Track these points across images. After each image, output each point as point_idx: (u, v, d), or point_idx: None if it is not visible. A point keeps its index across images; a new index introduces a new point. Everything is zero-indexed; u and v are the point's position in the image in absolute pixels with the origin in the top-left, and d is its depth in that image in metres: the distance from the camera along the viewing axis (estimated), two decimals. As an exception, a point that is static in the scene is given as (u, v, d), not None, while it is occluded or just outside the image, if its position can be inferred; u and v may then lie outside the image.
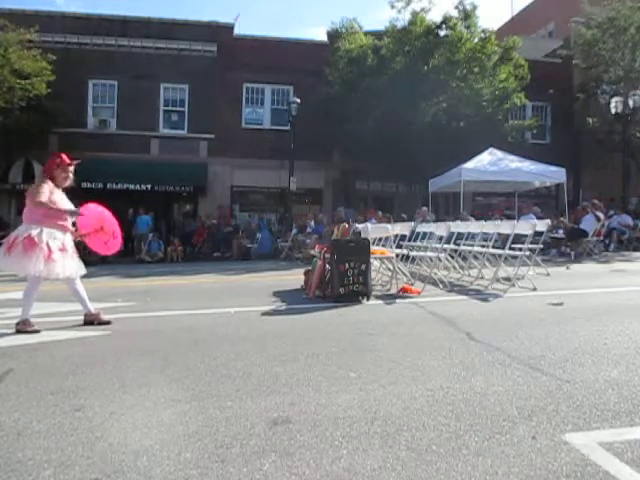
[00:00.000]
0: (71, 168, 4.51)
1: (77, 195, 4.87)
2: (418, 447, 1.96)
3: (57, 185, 4.41)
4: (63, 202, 4.42)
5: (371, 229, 7.69)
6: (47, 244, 4.15)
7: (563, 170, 13.64)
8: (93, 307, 4.60)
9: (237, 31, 19.14)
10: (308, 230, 14.39)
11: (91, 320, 4.53)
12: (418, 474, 1.76)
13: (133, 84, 17.62)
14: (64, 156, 4.51)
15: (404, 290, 6.10)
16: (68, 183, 4.52)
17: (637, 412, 2.23)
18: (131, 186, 16.81)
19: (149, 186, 16.99)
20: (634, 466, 1.76)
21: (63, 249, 4.26)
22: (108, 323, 4.54)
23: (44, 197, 4.19)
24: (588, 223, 11.44)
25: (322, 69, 16.53)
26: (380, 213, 13.93)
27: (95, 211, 4.77)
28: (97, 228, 4.69)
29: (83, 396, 2.64)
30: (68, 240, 4.39)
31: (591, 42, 17.33)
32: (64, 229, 4.36)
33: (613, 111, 15.57)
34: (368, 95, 15.10)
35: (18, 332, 4.21)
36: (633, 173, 16.40)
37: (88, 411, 2.42)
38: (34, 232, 4.15)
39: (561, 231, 12.42)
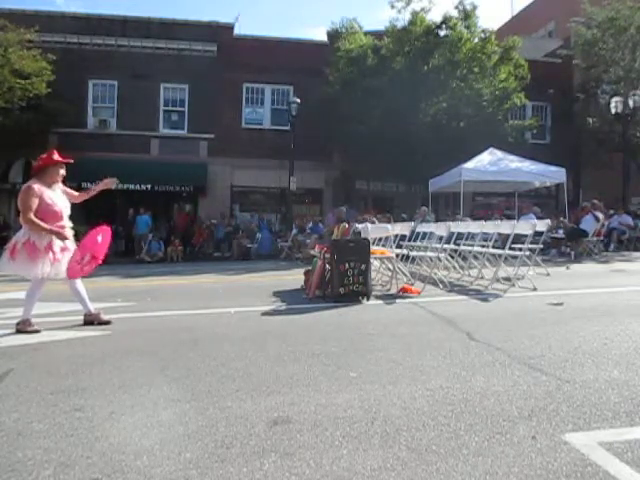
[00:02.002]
0: (63, 169, 4.38)
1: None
2: (418, 447, 1.95)
3: (45, 184, 4.26)
4: (58, 200, 4.31)
5: (371, 229, 7.69)
6: (49, 246, 4.14)
7: (563, 170, 13.64)
8: (93, 307, 4.60)
9: (237, 31, 19.17)
10: (308, 230, 14.41)
11: (91, 320, 4.52)
12: (418, 474, 1.76)
13: (133, 84, 17.63)
14: (57, 155, 4.34)
15: (404, 290, 6.09)
16: (58, 180, 4.37)
17: (637, 412, 2.23)
18: (131, 186, 16.79)
19: (149, 186, 17.00)
20: (634, 466, 1.76)
21: (65, 248, 4.25)
22: (108, 323, 4.53)
23: (31, 213, 4.08)
24: (588, 223, 11.45)
25: (322, 69, 16.54)
26: (368, 217, 13.55)
27: (88, 241, 4.42)
28: (77, 259, 4.26)
29: (83, 396, 2.64)
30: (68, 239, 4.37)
31: (591, 42, 17.33)
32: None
33: (613, 111, 15.58)
34: (368, 95, 15.09)
35: (18, 332, 4.21)
36: (633, 173, 16.40)
37: (88, 411, 2.42)
38: (33, 237, 4.12)
39: (561, 231, 12.40)
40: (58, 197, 4.35)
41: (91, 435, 2.14)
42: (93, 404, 2.51)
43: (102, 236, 4.53)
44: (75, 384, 2.84)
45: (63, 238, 4.23)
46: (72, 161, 4.47)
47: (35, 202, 4.14)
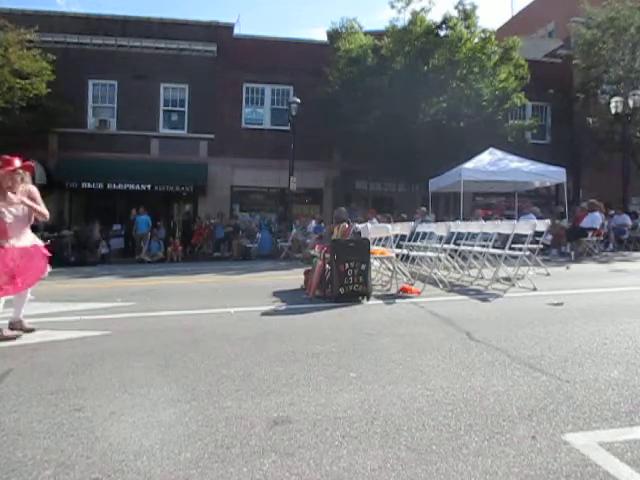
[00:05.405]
0: (17, 175, 4.11)
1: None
2: (418, 447, 1.96)
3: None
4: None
5: (371, 229, 7.69)
6: None
7: (563, 170, 13.63)
8: (21, 316, 4.22)
9: (237, 31, 19.17)
10: (310, 230, 14.41)
11: (13, 328, 4.14)
12: (418, 474, 1.76)
13: (133, 84, 17.62)
14: (12, 159, 4.11)
15: (404, 290, 6.10)
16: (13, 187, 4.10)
17: (637, 412, 2.23)
18: (131, 186, 16.81)
19: (149, 186, 17.00)
20: (634, 466, 1.76)
21: None
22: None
23: None
24: (595, 220, 11.43)
25: (322, 69, 16.53)
26: (369, 216, 13.59)
27: (10, 260, 3.88)
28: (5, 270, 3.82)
29: (83, 396, 2.64)
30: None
31: (591, 42, 17.31)
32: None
33: (613, 111, 15.56)
34: (368, 95, 15.10)
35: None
36: (633, 173, 16.39)
37: (88, 411, 2.42)
38: None
39: (550, 237, 11.86)
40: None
41: (91, 435, 2.15)
42: (93, 404, 2.51)
43: (33, 258, 4.00)
44: (75, 384, 2.84)
45: None
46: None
47: None
